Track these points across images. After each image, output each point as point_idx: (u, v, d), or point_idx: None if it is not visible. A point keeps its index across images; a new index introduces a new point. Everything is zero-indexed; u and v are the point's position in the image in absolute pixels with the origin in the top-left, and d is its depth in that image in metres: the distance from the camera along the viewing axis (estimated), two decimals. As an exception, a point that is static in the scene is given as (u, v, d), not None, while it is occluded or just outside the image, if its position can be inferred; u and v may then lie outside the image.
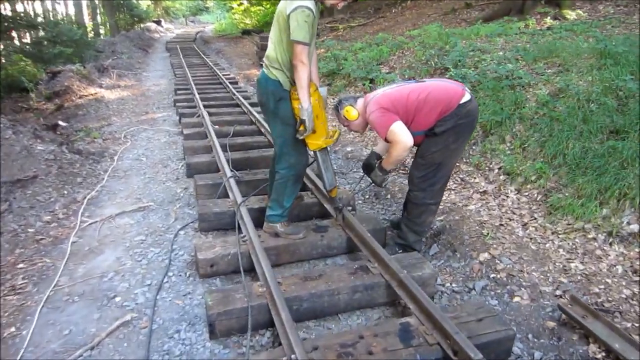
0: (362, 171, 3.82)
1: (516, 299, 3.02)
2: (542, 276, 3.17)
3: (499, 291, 3.12)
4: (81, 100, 9.50)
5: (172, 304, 3.15)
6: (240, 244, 3.45)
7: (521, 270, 3.23)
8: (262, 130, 6.34)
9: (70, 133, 7.25)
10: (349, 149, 6.16)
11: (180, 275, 3.47)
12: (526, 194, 4.18)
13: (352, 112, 3.45)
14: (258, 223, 3.94)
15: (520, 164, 4.44)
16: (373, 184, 3.59)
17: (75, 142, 6.63)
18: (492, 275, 3.25)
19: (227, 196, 4.42)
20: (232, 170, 4.86)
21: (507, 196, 4.24)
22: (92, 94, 9.95)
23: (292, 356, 2.31)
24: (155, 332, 2.88)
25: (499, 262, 3.35)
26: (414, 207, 3.46)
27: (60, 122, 7.27)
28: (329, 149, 3.49)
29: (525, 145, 4.63)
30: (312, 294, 2.89)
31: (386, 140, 3.27)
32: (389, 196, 4.66)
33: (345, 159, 5.89)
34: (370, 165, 3.71)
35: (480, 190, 4.42)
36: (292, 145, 3.35)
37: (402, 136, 3.14)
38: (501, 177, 4.52)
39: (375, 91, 3.51)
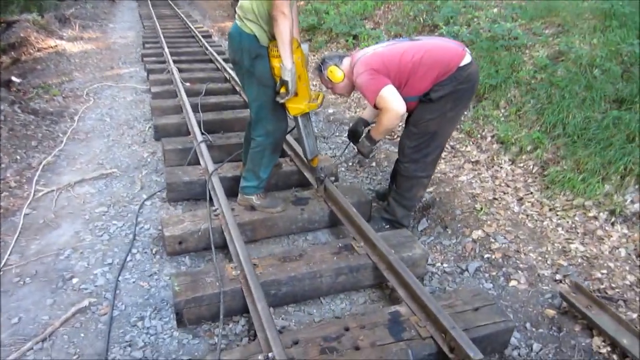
0: (347, 138, 3.48)
1: (513, 283, 2.79)
2: (540, 258, 2.94)
3: (494, 273, 2.89)
4: (40, 54, 8.77)
5: (136, 286, 2.83)
6: (212, 219, 3.12)
7: (517, 251, 3.00)
8: (237, 89, 5.90)
9: (27, 90, 6.65)
10: (330, 110, 5.79)
11: (145, 252, 3.14)
12: (521, 165, 3.93)
13: (337, 73, 3.08)
14: (232, 193, 3.62)
15: (515, 132, 4.17)
16: (359, 154, 3.26)
17: (32, 100, 6.07)
18: (486, 256, 3.01)
19: (198, 163, 4.06)
20: (203, 134, 4.47)
21: (501, 167, 3.98)
22: (51, 47, 9.21)
23: (270, 354, 2.03)
24: (117, 319, 2.57)
25: (493, 240, 3.11)
26: (403, 180, 3.16)
27: (14, 78, 6.65)
28: (310, 113, 3.12)
29: (521, 112, 4.34)
30: (292, 277, 2.60)
31: (375, 106, 2.93)
32: (374, 164, 4.35)
33: (327, 122, 5.53)
34: (357, 133, 3.38)
35: (472, 160, 4.14)
36: (270, 110, 2.98)
37: (394, 103, 2.80)
38: (494, 145, 4.25)
39: (363, 49, 3.13)
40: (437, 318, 2.18)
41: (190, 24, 11.16)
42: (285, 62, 2.67)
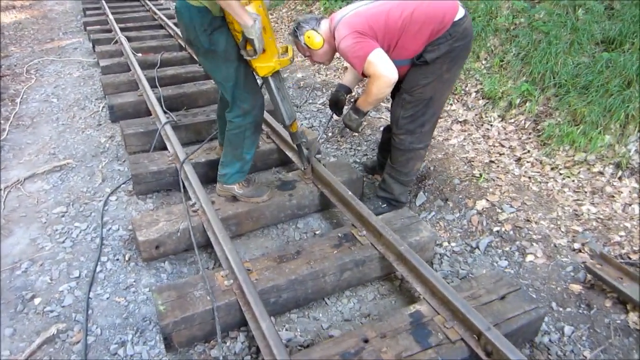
0: (329, 110, 3.11)
1: (529, 257, 2.57)
2: (552, 225, 2.73)
3: (507, 249, 2.66)
4: (-34, 27, 7.89)
5: (111, 303, 2.47)
6: (191, 215, 2.76)
7: (527, 220, 2.78)
8: (196, 58, 5.37)
9: (-43, 71, 5.93)
10: (299, 75, 5.36)
11: (117, 259, 2.76)
12: (512, 121, 3.68)
13: (315, 39, 2.68)
14: (207, 180, 3.28)
15: (501, 85, 3.90)
16: (346, 128, 2.90)
17: (-36, 83, 5.40)
18: (495, 229, 2.78)
19: (164, 147, 3.63)
20: (166, 112, 4.02)
21: (491, 125, 3.73)
22: (-21, 19, 8.30)
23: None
24: (93, 348, 2.22)
25: (499, 210, 2.87)
26: (399, 154, 2.85)
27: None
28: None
29: (504, 63, 4.06)
30: (293, 281, 2.29)
31: (363, 74, 2.58)
32: (355, 134, 4.01)
33: (297, 87, 5.11)
34: (339, 102, 3.03)
35: (460, 120, 3.87)
36: (243, 87, 2.59)
37: (384, 68, 2.45)
38: (480, 101, 3.97)
39: (342, 10, 2.73)
40: (466, 317, 1.93)
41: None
42: (242, 21, 2.22)
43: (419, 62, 2.58)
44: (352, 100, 3.09)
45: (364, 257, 2.44)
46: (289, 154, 3.40)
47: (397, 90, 2.74)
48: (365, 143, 3.89)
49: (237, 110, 2.67)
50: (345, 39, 2.52)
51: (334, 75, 5.17)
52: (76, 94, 5.12)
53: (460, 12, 2.53)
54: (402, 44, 2.54)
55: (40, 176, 3.59)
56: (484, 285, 2.21)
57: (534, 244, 2.63)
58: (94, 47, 6.22)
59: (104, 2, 8.10)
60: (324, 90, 4.88)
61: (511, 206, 2.88)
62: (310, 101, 4.75)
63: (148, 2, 8.10)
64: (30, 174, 3.59)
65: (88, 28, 7.01)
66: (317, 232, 2.96)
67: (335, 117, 3.16)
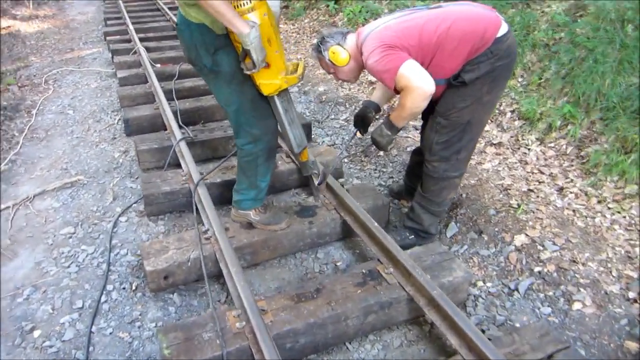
0: (354, 127, 2.89)
1: (576, 305, 2.29)
2: (602, 268, 2.46)
3: (550, 293, 2.39)
4: (-9, 36, 7.89)
5: (114, 339, 2.27)
6: (203, 243, 2.55)
7: (573, 260, 2.50)
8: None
9: (-22, 79, 5.87)
10: (321, 88, 5.15)
11: (123, 288, 2.57)
12: (552, 145, 3.41)
13: (341, 55, 2.46)
14: (222, 200, 3.10)
15: (540, 105, 3.63)
16: (374, 146, 2.65)
17: (-17, 92, 5.32)
18: (536, 269, 2.51)
19: (178, 163, 3.45)
20: (181, 127, 3.85)
21: (529, 148, 3.46)
22: (4, 28, 8.30)
23: None
24: (91, 392, 2.02)
25: (541, 248, 2.60)
26: (432, 182, 2.61)
27: (-41, 67, 5.86)
28: (290, 90, 2.44)
29: (542, 81, 3.79)
30: (311, 325, 2.06)
31: (395, 90, 2.34)
32: (381, 153, 3.78)
33: (318, 102, 4.90)
34: (367, 119, 2.79)
35: (494, 142, 3.61)
36: (250, 110, 2.34)
37: (418, 79, 2.20)
38: (516, 122, 3.71)
39: (370, 24, 2.51)
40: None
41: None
42: (236, 29, 1.96)
43: (456, 82, 2.34)
44: (380, 117, 2.86)
45: (390, 298, 2.19)
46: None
47: (430, 112, 2.50)
48: (390, 164, 3.66)
49: (245, 137, 2.43)
50: (373, 54, 2.30)
51: (358, 90, 4.95)
52: (92, 105, 4.99)
53: (504, 28, 2.29)
54: (437, 62, 2.31)
55: (50, 193, 3.44)
56: (527, 340, 1.95)
57: (582, 289, 2.35)
58: (112, 57, 6.12)
59: (124, 11, 8.04)
60: (347, 105, 4.66)
61: (554, 243, 2.61)
62: (333, 117, 4.54)
63: (169, 12, 8.00)
64: (40, 191, 3.45)
65: (108, 38, 6.92)
66: (338, 264, 2.73)
67: (358, 135, 2.93)
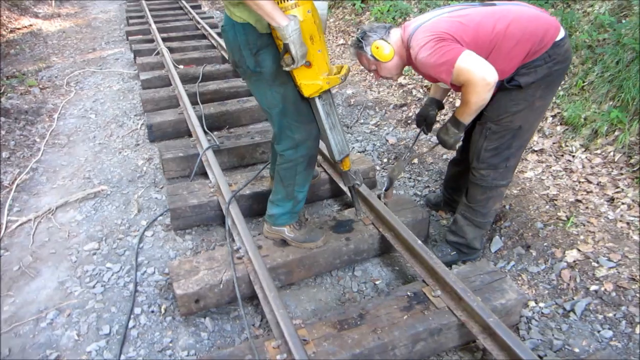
0: (417, 127, 2.72)
1: (640, 329, 2.11)
2: (666, 288, 2.26)
3: (610, 315, 2.20)
4: (13, 35, 7.86)
5: (144, 368, 2.15)
6: (235, 262, 2.41)
7: (632, 278, 2.31)
8: (239, 70, 5.07)
9: (0, 79, 5.80)
10: (349, 91, 4.98)
11: (152, 311, 2.44)
12: (598, 152, 3.19)
13: (384, 50, 2.28)
14: (251, 213, 2.99)
15: (584, 110, 3.41)
16: (440, 145, 2.47)
17: (4, 95, 5.24)
18: (592, 288, 2.32)
19: (205, 173, 3.32)
20: (207, 133, 3.73)
21: (573, 156, 3.25)
22: (26, 27, 8.29)
23: None
24: None
25: (596, 264, 2.41)
26: (479, 191, 2.44)
27: (-20, 70, 5.80)
28: (333, 92, 2.27)
29: (586, 84, 3.57)
30: (357, 355, 1.92)
31: (453, 85, 2.17)
32: (415, 161, 3.61)
33: (347, 105, 4.73)
34: (429, 117, 2.63)
35: (535, 149, 3.40)
36: (293, 114, 2.23)
37: (479, 70, 2.01)
38: (558, 128, 3.50)
39: (417, 18, 2.33)
40: None
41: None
42: (276, 21, 1.86)
43: (510, 85, 2.17)
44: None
45: (440, 325, 2.03)
46: (343, 186, 3.02)
47: (477, 118, 2.32)
48: (426, 173, 3.48)
49: (287, 142, 2.31)
50: (425, 47, 2.12)
51: (387, 92, 4.77)
52: (115, 109, 4.89)
53: (562, 32, 2.12)
54: (491, 62, 2.12)
55: (73, 204, 3.34)
56: (596, 373, 1.78)
57: (645, 311, 2.16)
58: (135, 58, 6.02)
59: (147, 10, 7.95)
60: (377, 109, 4.48)
61: (609, 259, 2.41)
62: (362, 121, 4.36)
63: (192, 11, 7.89)
64: (62, 202, 3.35)
65: (130, 38, 6.84)
66: (377, 282, 2.57)
67: (422, 134, 2.77)
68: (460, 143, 2.75)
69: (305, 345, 1.91)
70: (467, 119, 2.25)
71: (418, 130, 2.74)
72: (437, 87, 2.64)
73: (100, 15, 9.59)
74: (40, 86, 5.68)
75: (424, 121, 2.64)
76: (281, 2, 1.91)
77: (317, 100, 2.20)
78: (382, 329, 2.01)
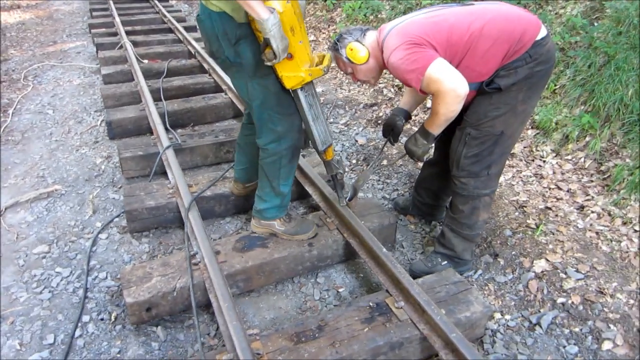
0: (384, 136, 2.64)
1: (606, 345, 2.06)
2: (632, 301, 2.22)
3: (576, 329, 2.15)
4: (-32, 27, 7.51)
5: (88, 382, 2.01)
6: (192, 267, 2.28)
7: (600, 291, 2.27)
8: (205, 66, 4.92)
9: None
10: (319, 89, 4.87)
11: (101, 319, 2.30)
12: (569, 157, 3.17)
13: (359, 52, 2.20)
14: (213, 214, 2.89)
15: (555, 114, 3.39)
16: (408, 156, 2.39)
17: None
18: (559, 300, 2.27)
19: (165, 172, 3.17)
20: (169, 131, 3.58)
21: (544, 161, 3.22)
22: (-18, 18, 7.93)
23: None
24: None
25: (564, 275, 2.37)
26: (461, 201, 2.36)
27: None
28: (315, 83, 2.22)
29: (557, 88, 3.55)
30: (314, 371, 1.82)
31: (422, 91, 2.09)
32: (385, 162, 3.53)
33: (316, 104, 4.62)
34: (396, 127, 2.53)
35: (506, 152, 3.36)
36: (275, 106, 2.15)
37: (450, 81, 1.95)
38: (529, 131, 3.47)
39: (394, 20, 2.25)
40: None
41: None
42: (256, 13, 1.78)
43: (489, 89, 2.09)
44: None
45: (401, 338, 1.95)
46: (308, 188, 2.92)
47: (457, 122, 2.24)
48: (395, 175, 3.40)
49: (269, 135, 2.24)
50: (396, 52, 2.04)
51: (358, 91, 4.69)
52: (74, 104, 4.68)
53: (543, 31, 2.05)
54: (467, 64, 2.05)
55: (24, 205, 3.15)
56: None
57: (611, 325, 2.12)
58: (97, 51, 5.79)
59: (111, 3, 7.69)
60: (347, 108, 4.39)
61: (578, 270, 2.38)
62: (331, 120, 4.27)
63: (158, 4, 7.67)
64: (13, 202, 3.15)
65: (93, 31, 6.58)
66: (340, 290, 2.47)
67: (389, 145, 2.68)
68: (432, 148, 2.67)
69: (259, 359, 1.80)
70: (436, 130, 2.18)
71: (384, 140, 2.66)
72: (409, 96, 2.56)
73: (63, 7, 9.24)
74: (-3, 81, 5.42)
75: (391, 131, 2.55)
76: None
77: (299, 92, 2.13)
78: (341, 342, 1.91)
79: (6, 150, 3.86)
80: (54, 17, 8.39)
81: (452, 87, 1.95)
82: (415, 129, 3.44)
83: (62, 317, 2.30)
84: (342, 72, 4.80)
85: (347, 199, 2.59)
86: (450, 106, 2.01)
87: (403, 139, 3.14)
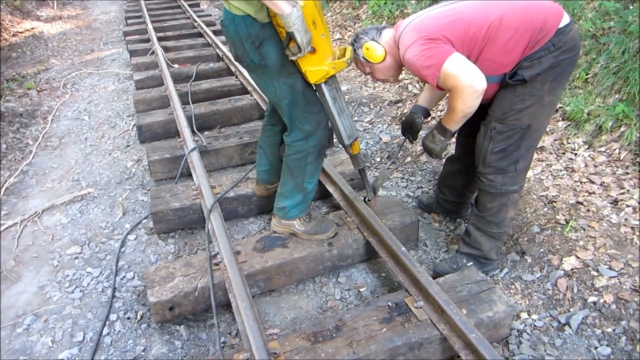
0: (402, 134, 2.61)
1: (641, 345, 1.96)
2: (669, 299, 2.11)
3: (608, 330, 2.06)
4: (15, 39, 7.86)
5: (114, 379, 2.06)
6: (213, 268, 2.31)
7: (635, 289, 2.16)
8: (232, 68, 4.99)
9: (0, 83, 5.77)
10: (343, 87, 4.85)
11: (128, 317, 2.36)
12: (602, 149, 3.04)
13: (376, 51, 2.18)
14: (235, 215, 2.92)
15: (587, 104, 3.25)
16: (426, 154, 2.35)
17: (3, 98, 5.20)
18: (590, 299, 2.17)
19: (191, 176, 3.23)
20: (195, 133, 3.64)
21: (575, 154, 3.09)
22: (28, 30, 8.29)
23: None
24: None
25: (595, 273, 2.27)
26: (488, 199, 2.29)
27: (-22, 73, 5.77)
28: (340, 82, 2.23)
29: (589, 77, 3.41)
30: (330, 371, 1.80)
31: (438, 87, 2.04)
32: (408, 159, 3.47)
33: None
34: (415, 125, 2.49)
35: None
36: (303, 105, 2.17)
37: (467, 76, 1.90)
38: (560, 123, 3.34)
39: (411, 16, 2.21)
40: None
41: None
42: (277, 8, 1.78)
43: (513, 81, 2.02)
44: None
45: (420, 339, 1.91)
46: (330, 187, 2.91)
47: (481, 117, 2.18)
48: (419, 172, 3.34)
49: (297, 133, 2.25)
50: (411, 48, 2.01)
51: (383, 88, 4.64)
52: (108, 110, 4.83)
53: (566, 18, 1.97)
54: (487, 56, 2.00)
55: (59, 207, 3.27)
56: (586, 394, 1.64)
57: (646, 324, 2.02)
58: (130, 58, 5.96)
59: (145, 9, 7.90)
60: (372, 106, 4.36)
61: (611, 268, 2.27)
62: (356, 118, 4.24)
63: (189, 9, 7.82)
64: (49, 205, 3.28)
65: (127, 38, 6.78)
66: (362, 290, 2.45)
67: (407, 143, 2.65)
68: (451, 144, 2.61)
69: (275, 358, 1.80)
70: (453, 126, 2.12)
71: (403, 138, 2.62)
72: (428, 93, 2.51)
73: (101, 16, 9.57)
74: (38, 88, 5.65)
75: (410, 129, 2.51)
76: None
77: (323, 86, 2.14)
78: (358, 342, 1.89)
79: (45, 156, 4.03)
80: (92, 26, 8.70)
81: (469, 82, 1.90)
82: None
83: (91, 316, 2.38)
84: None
85: (367, 199, 2.56)
86: (468, 102, 1.96)
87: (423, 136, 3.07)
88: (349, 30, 5.99)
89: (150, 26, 6.64)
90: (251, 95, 4.32)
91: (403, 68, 2.28)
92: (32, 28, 8.39)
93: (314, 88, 2.19)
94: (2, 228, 3.09)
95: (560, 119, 3.37)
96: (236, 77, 4.78)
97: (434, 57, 1.95)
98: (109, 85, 5.56)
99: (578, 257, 2.35)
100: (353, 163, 2.51)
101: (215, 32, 6.19)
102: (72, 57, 6.89)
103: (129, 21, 7.81)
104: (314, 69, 2.04)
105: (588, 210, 2.65)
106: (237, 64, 4.79)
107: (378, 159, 3.58)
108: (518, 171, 2.20)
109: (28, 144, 4.27)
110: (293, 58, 1.96)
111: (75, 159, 3.93)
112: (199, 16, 7.37)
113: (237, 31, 1.98)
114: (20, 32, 8.14)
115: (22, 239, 3.00)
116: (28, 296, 2.54)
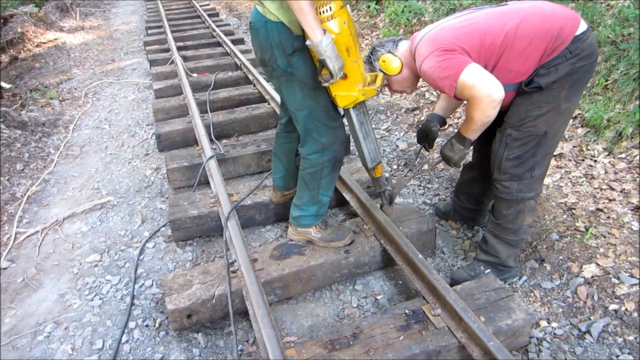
0: (418, 143, 2.62)
1: (664, 355, 1.92)
2: (694, 308, 2.06)
3: (630, 338, 2.02)
4: (39, 50, 8.04)
5: (133, 386, 2.08)
6: (230, 275, 2.33)
7: (657, 297, 2.12)
8: (250, 77, 5.03)
9: (21, 95, 5.91)
10: (362, 95, 4.86)
11: (146, 325, 2.38)
12: (622, 156, 2.99)
13: (392, 63, 2.19)
14: (253, 223, 2.93)
15: (607, 110, 3.21)
16: (444, 162, 2.36)
17: (25, 108, 5.34)
18: (611, 307, 2.14)
19: (209, 184, 3.26)
20: (213, 142, 3.68)
21: (595, 160, 3.05)
22: (51, 41, 8.47)
23: None
24: None
25: (616, 281, 2.23)
26: (505, 206, 2.27)
27: (4, 84, 5.91)
28: (367, 103, 2.25)
29: (609, 83, 3.36)
30: (347, 380, 1.80)
31: (456, 97, 2.04)
32: (426, 166, 3.46)
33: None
34: (431, 134, 2.50)
35: (555, 153, 3.19)
36: (322, 118, 2.18)
37: (484, 86, 1.90)
38: (579, 130, 3.30)
39: (427, 27, 2.22)
40: None
41: (194, 1, 10.21)
42: (312, 35, 1.80)
43: (529, 88, 2.02)
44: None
45: (438, 346, 1.90)
46: (346, 195, 2.91)
47: (497, 124, 2.17)
48: (437, 180, 3.33)
49: (312, 145, 2.25)
50: (428, 59, 2.02)
51: (400, 96, 4.64)
52: (128, 119, 4.91)
53: (583, 25, 1.96)
54: (504, 64, 2.00)
55: (79, 216, 3.33)
56: (608, 406, 1.61)
57: (670, 334, 1.98)
58: (150, 67, 6.06)
59: (165, 19, 8.03)
60: (389, 114, 4.35)
61: (632, 275, 2.23)
62: (373, 126, 4.23)
63: (208, 19, 7.93)
64: (69, 213, 3.34)
65: (147, 48, 6.89)
66: (379, 297, 2.45)
67: (424, 151, 2.66)
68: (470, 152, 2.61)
69: (293, 367, 1.81)
70: (472, 135, 2.13)
71: (419, 146, 2.62)
72: (444, 102, 2.51)
73: (122, 26, 9.74)
74: (60, 98, 5.77)
75: (426, 137, 2.52)
76: (319, 14, 1.84)
77: (351, 110, 2.18)
78: (375, 350, 1.89)
79: (66, 164, 4.10)
80: (113, 36, 8.85)
81: (486, 92, 1.91)
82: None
83: (110, 323, 2.41)
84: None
85: (384, 207, 2.56)
86: (486, 111, 1.96)
87: (439, 144, 3.07)
88: (367, 39, 6.00)
89: (170, 36, 6.75)
90: (268, 104, 4.36)
91: (419, 79, 2.29)
92: (55, 39, 8.57)
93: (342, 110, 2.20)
94: (24, 236, 3.16)
95: (580, 125, 3.33)
96: (254, 86, 4.82)
97: (450, 68, 1.96)
98: (129, 94, 5.65)
99: (598, 265, 2.32)
100: (375, 186, 2.54)
101: (234, 42, 6.27)
102: (93, 67, 7.02)
103: (150, 31, 7.94)
104: (344, 94, 2.07)
105: (608, 217, 2.61)
106: (255, 72, 4.84)
107: (395, 167, 3.57)
108: (534, 178, 2.18)
109: (50, 152, 4.35)
110: (325, 84, 1.98)
111: (95, 168, 4.00)
112: (217, 26, 7.47)
113: (268, 36, 1.97)
114: (44, 43, 8.33)
115: (43, 247, 3.06)
116: (49, 304, 2.58)
